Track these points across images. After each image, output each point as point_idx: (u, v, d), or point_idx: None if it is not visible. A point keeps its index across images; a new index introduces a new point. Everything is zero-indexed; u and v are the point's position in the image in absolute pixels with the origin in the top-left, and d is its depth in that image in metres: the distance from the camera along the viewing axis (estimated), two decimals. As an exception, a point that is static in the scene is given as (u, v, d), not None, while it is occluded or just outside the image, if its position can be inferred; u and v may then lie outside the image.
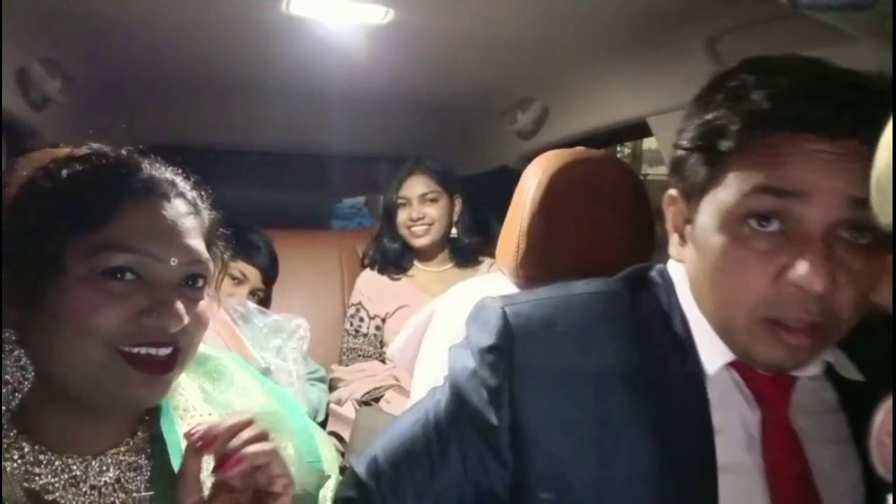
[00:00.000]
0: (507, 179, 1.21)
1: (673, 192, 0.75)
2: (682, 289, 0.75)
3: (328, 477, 0.83)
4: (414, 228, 2.12)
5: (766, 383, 0.70)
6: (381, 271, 2.19)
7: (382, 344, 2.13)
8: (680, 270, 0.76)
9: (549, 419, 0.70)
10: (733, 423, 0.69)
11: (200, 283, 0.70)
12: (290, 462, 0.77)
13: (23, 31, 1.33)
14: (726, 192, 0.66)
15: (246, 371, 0.86)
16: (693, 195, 0.71)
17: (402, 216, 2.13)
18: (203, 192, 0.76)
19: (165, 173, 0.72)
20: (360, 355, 2.13)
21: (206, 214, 0.75)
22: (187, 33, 1.47)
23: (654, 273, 0.80)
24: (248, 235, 2.03)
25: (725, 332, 0.69)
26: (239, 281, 2.00)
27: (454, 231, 2.18)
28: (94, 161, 0.69)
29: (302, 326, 2.06)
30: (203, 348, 0.85)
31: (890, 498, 0.51)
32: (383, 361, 2.10)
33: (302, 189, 2.77)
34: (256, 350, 1.85)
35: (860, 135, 0.61)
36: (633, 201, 1.07)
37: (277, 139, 2.37)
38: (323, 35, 1.42)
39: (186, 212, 0.70)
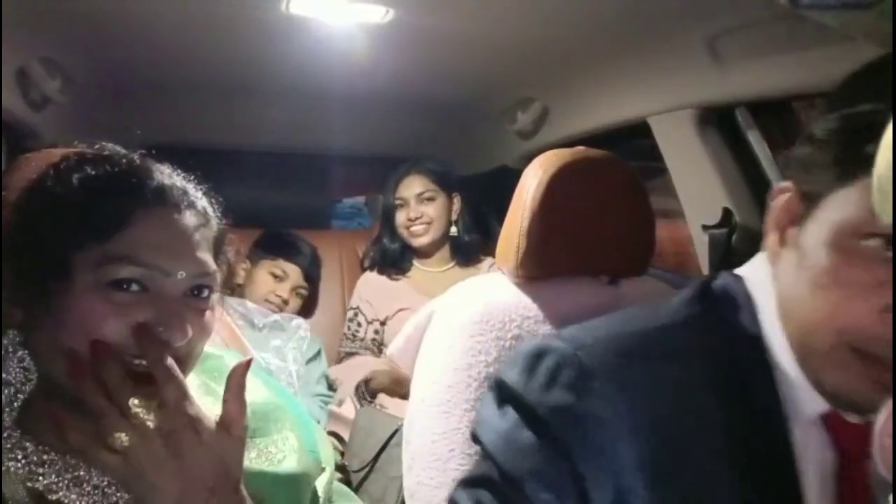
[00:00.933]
0: (507, 179, 1.21)
1: (787, 183, 0.65)
2: (767, 315, 0.65)
3: (324, 469, 0.83)
4: (413, 228, 2.13)
5: (848, 430, 0.63)
6: (381, 272, 2.19)
7: (381, 348, 2.13)
8: (764, 288, 0.66)
9: (638, 471, 0.61)
10: (810, 470, 0.63)
11: (206, 293, 0.69)
12: (293, 450, 0.78)
13: (23, 31, 1.33)
14: (853, 203, 0.56)
15: None
16: (812, 195, 0.61)
17: (401, 217, 2.14)
18: (214, 200, 0.75)
19: (177, 181, 0.71)
20: None
21: (216, 223, 0.74)
22: (187, 33, 1.47)
23: (732, 290, 0.69)
24: (288, 236, 2.19)
25: (803, 356, 0.62)
26: (280, 278, 2.12)
27: (454, 229, 2.18)
28: (106, 167, 0.68)
29: (302, 327, 2.06)
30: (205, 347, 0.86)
31: (891, 500, 0.51)
32: None
33: (302, 189, 2.77)
34: (256, 350, 1.85)
35: None
36: (633, 201, 1.07)
37: (277, 139, 2.37)
38: (323, 35, 1.42)
39: (197, 223, 0.70)
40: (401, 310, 2.08)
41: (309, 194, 2.80)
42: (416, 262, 2.20)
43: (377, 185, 2.69)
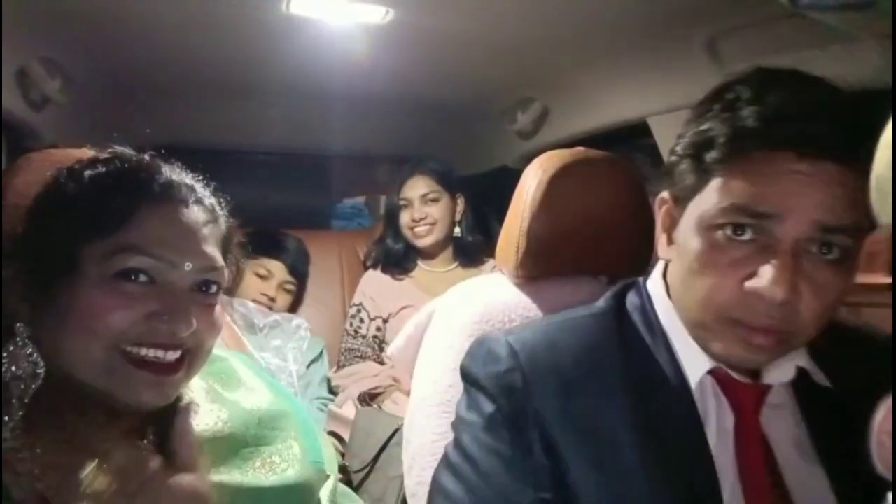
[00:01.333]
0: (507, 179, 1.21)
1: (665, 194, 0.79)
2: (661, 303, 0.80)
3: (328, 476, 0.83)
4: (417, 229, 2.13)
5: (741, 390, 0.75)
6: (384, 271, 2.19)
7: (382, 345, 2.13)
8: (657, 285, 0.82)
9: (566, 432, 0.73)
10: (711, 427, 0.74)
11: (214, 289, 0.70)
12: (296, 460, 0.77)
13: (23, 31, 1.33)
14: (707, 202, 0.70)
15: (253, 371, 0.86)
16: (681, 199, 0.75)
17: (405, 217, 2.14)
18: (221, 199, 0.76)
19: (185, 178, 0.72)
20: (358, 356, 2.13)
21: (224, 221, 0.75)
22: (187, 33, 1.47)
23: (635, 289, 0.85)
24: (269, 234, 2.17)
25: (697, 331, 0.75)
26: (265, 277, 2.12)
27: (457, 230, 2.18)
28: (115, 164, 0.69)
29: (302, 327, 2.06)
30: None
31: (890, 497, 0.51)
32: (381, 363, 2.10)
33: (302, 189, 2.77)
34: (256, 350, 1.86)
35: (839, 158, 0.65)
36: (632, 201, 1.07)
37: (278, 139, 2.37)
38: (323, 35, 1.42)
39: (204, 218, 0.70)
40: (404, 307, 2.08)
41: (309, 194, 2.80)
42: (420, 263, 2.20)
43: (377, 185, 2.69)
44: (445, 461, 0.81)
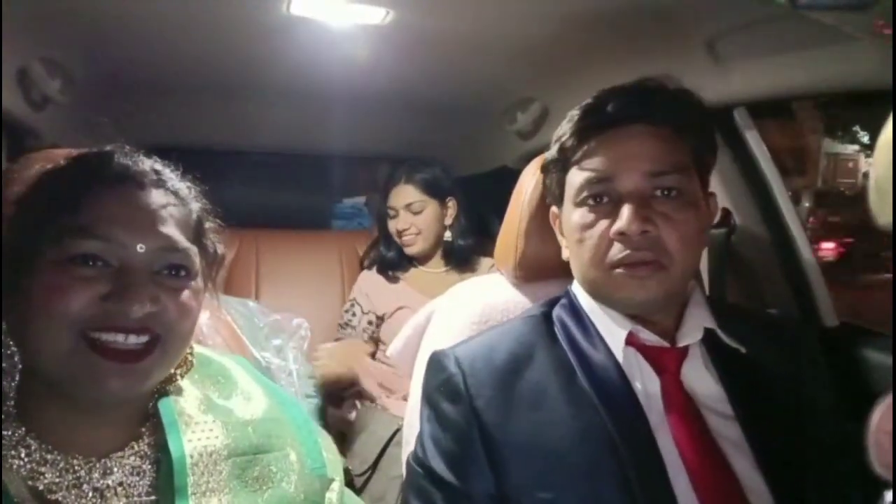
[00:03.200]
0: (507, 179, 1.21)
1: (553, 209, 0.98)
2: (581, 295, 0.94)
3: (332, 480, 0.82)
4: (404, 238, 2.13)
5: (660, 354, 0.88)
6: (380, 273, 2.19)
7: (376, 341, 2.13)
8: (576, 282, 0.96)
9: (506, 422, 0.84)
10: (641, 393, 0.86)
11: (183, 273, 0.69)
12: (292, 469, 0.76)
13: (23, 31, 1.33)
14: (571, 187, 0.90)
15: (250, 375, 0.85)
16: (560, 202, 0.94)
17: (392, 226, 2.15)
18: (193, 187, 0.76)
19: (144, 165, 0.71)
20: None
21: (195, 206, 0.74)
22: (188, 33, 1.47)
23: (565, 292, 0.98)
24: None
25: (598, 289, 0.90)
26: None
27: (448, 234, 2.17)
28: (70, 155, 0.71)
29: (303, 326, 2.06)
30: (207, 351, 0.85)
31: (889, 495, 0.51)
32: (373, 356, 2.11)
33: (302, 189, 2.78)
34: (257, 350, 1.85)
35: (652, 121, 0.87)
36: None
37: (278, 139, 2.37)
38: (323, 35, 1.42)
39: (164, 201, 0.70)
40: (400, 308, 2.08)
41: (309, 194, 2.80)
42: (414, 265, 2.20)
43: (377, 185, 2.69)
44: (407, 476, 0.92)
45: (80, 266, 0.64)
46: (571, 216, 0.90)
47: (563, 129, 0.93)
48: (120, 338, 0.64)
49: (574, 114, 0.93)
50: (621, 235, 0.84)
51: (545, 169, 0.97)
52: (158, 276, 0.67)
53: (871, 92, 1.00)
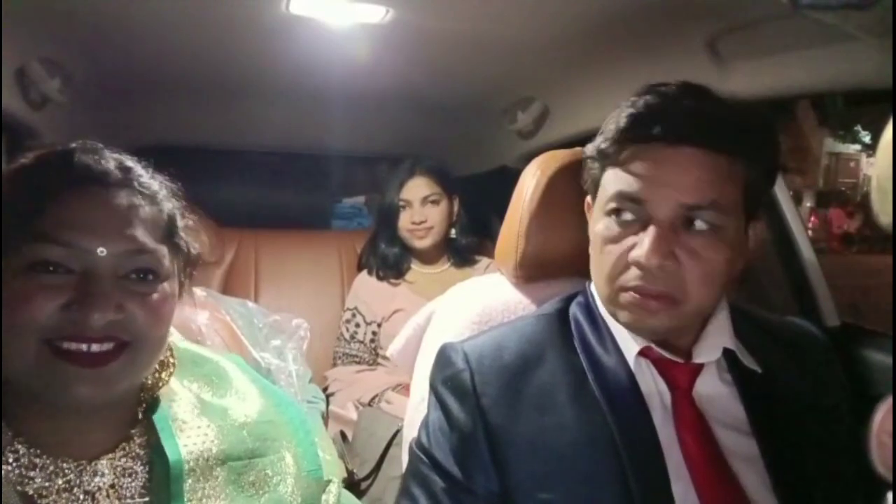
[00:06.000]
0: (507, 179, 1.21)
1: (588, 199, 0.92)
2: (599, 300, 0.89)
3: (329, 482, 0.82)
4: (416, 231, 2.10)
5: (674, 368, 0.85)
6: (378, 276, 2.16)
7: (377, 350, 2.11)
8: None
9: (512, 423, 0.82)
10: (654, 406, 0.83)
11: (151, 277, 0.66)
12: (288, 472, 0.75)
13: (23, 31, 1.33)
14: (603, 193, 0.85)
15: (246, 375, 0.84)
16: (594, 197, 0.89)
17: (404, 219, 2.11)
18: (167, 184, 0.73)
19: (108, 163, 0.68)
20: (355, 362, 2.11)
21: (167, 205, 0.71)
22: (187, 33, 1.47)
23: (582, 291, 0.94)
24: None
25: (609, 306, 0.85)
26: None
27: (453, 231, 2.17)
28: (32, 158, 0.68)
29: (302, 327, 2.05)
30: (200, 350, 0.84)
31: (890, 496, 0.51)
32: (375, 362, 2.10)
33: (302, 189, 2.78)
34: (256, 350, 1.85)
35: (698, 144, 0.77)
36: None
37: (277, 139, 2.37)
38: (323, 35, 1.42)
39: (130, 201, 0.67)
40: (396, 311, 2.06)
41: (309, 194, 2.80)
42: (413, 264, 2.19)
43: (377, 185, 2.69)
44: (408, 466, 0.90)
45: (42, 273, 0.62)
46: (599, 222, 0.85)
47: (607, 129, 0.85)
48: (83, 346, 0.62)
49: (622, 115, 0.83)
50: (638, 263, 0.79)
51: (585, 157, 0.90)
52: (125, 280, 0.65)
53: (872, 92, 1.00)
